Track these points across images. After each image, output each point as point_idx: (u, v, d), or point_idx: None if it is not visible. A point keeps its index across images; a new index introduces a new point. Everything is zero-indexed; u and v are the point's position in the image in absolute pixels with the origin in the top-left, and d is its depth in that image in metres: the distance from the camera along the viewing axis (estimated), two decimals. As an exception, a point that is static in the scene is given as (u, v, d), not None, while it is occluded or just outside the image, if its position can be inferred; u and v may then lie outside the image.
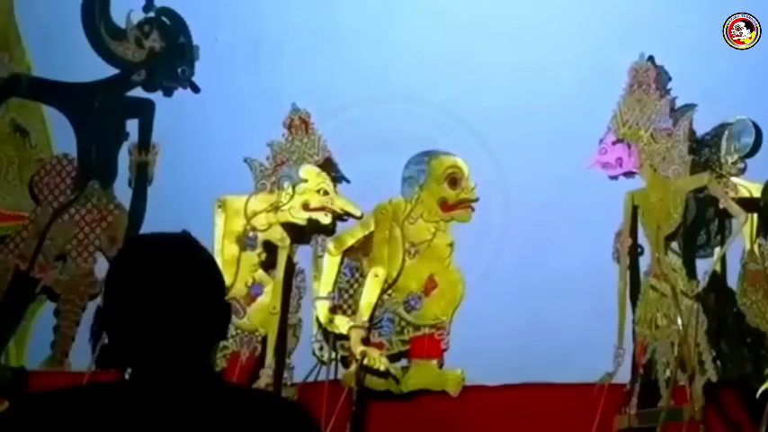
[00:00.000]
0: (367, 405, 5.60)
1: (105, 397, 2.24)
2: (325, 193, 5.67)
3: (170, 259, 2.27)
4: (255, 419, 2.24)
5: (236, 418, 2.23)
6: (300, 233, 5.74)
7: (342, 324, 5.70)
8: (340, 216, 5.71)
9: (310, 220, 5.67)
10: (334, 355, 5.72)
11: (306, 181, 5.67)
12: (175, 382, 2.24)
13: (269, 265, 5.71)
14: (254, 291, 5.68)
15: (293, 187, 5.66)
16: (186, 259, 2.28)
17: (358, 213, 5.71)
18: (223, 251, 5.65)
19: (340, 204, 5.67)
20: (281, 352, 5.64)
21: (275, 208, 5.66)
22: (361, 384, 5.56)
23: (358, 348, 5.58)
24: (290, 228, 5.68)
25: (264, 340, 5.64)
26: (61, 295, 5.97)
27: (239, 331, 5.66)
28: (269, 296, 5.65)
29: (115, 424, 2.21)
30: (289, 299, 5.68)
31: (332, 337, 5.72)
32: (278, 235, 5.67)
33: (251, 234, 5.66)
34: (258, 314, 5.66)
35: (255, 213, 5.66)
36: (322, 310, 5.73)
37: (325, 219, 5.66)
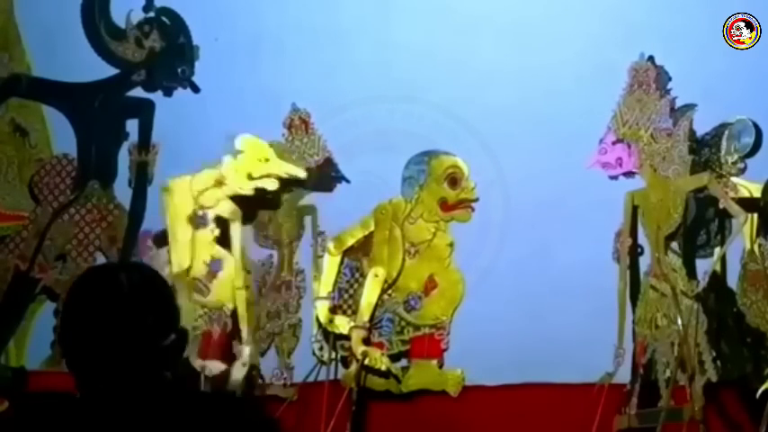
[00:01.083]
0: (367, 405, 5.61)
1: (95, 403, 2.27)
2: (266, 159, 5.65)
3: (120, 286, 2.34)
4: (220, 424, 2.26)
5: (201, 424, 2.25)
6: (249, 203, 5.73)
7: (342, 324, 5.70)
8: (287, 181, 5.68)
9: (257, 190, 5.66)
10: (334, 355, 5.73)
11: (243, 151, 5.66)
12: (132, 396, 2.29)
13: (223, 240, 5.69)
14: (213, 267, 5.67)
15: (234, 159, 5.65)
16: (136, 286, 2.36)
17: (302, 175, 5.69)
18: (177, 234, 5.64)
19: (283, 169, 5.66)
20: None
21: (219, 183, 5.65)
22: (361, 384, 5.56)
23: (359, 348, 5.58)
24: (238, 200, 5.67)
25: (234, 315, 5.63)
26: (61, 295, 5.96)
27: (207, 310, 5.66)
28: (230, 270, 5.64)
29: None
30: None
31: (332, 337, 5.72)
32: (228, 208, 5.67)
33: (200, 213, 5.65)
34: (222, 289, 5.66)
35: (201, 192, 5.65)
36: (322, 310, 5.74)
37: (272, 185, 5.63)
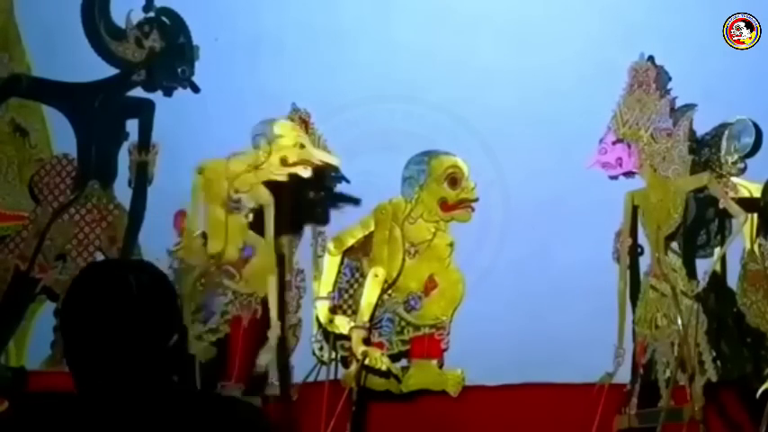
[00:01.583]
0: (367, 405, 5.61)
1: (95, 402, 2.26)
2: (302, 146, 5.61)
3: (119, 286, 2.32)
4: (211, 426, 2.26)
5: (193, 426, 2.25)
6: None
7: (342, 324, 5.70)
8: (320, 168, 5.64)
9: (291, 176, 5.62)
10: (334, 355, 5.73)
11: (282, 136, 5.61)
12: (133, 397, 2.28)
13: (257, 225, 5.66)
14: (245, 253, 5.62)
15: (270, 144, 5.61)
16: (136, 287, 2.34)
17: (336, 162, 5.66)
18: (210, 216, 5.58)
19: (319, 156, 5.63)
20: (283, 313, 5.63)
21: (255, 167, 5.61)
22: (361, 384, 5.56)
23: (360, 349, 5.58)
24: (272, 185, 5.63)
25: (264, 302, 5.59)
26: (61, 295, 5.97)
27: (237, 295, 5.62)
28: (262, 257, 5.61)
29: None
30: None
31: (332, 337, 5.72)
32: (262, 194, 5.62)
33: (235, 196, 5.60)
34: (253, 276, 5.61)
35: (237, 175, 5.60)
36: (322, 310, 5.74)
37: (306, 173, 5.59)
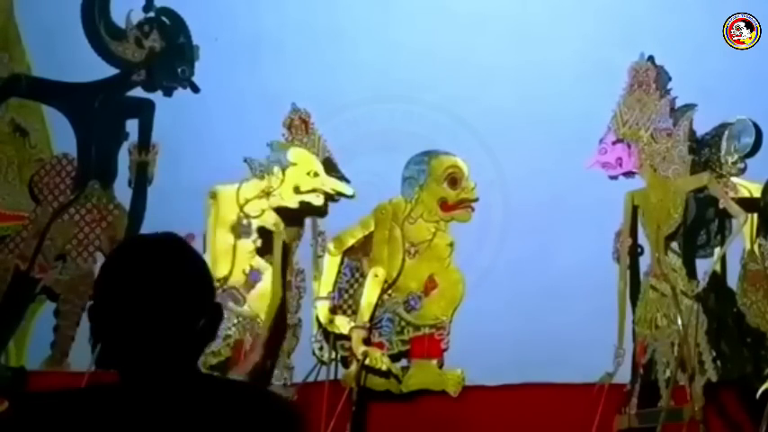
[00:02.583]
0: (367, 405, 5.61)
1: (97, 400, 2.24)
2: (316, 174, 5.66)
3: (158, 261, 2.27)
4: (244, 415, 2.25)
5: (225, 414, 2.23)
6: (294, 217, 5.74)
7: (342, 324, 5.70)
8: (332, 197, 5.70)
9: (302, 203, 5.67)
10: (334, 355, 5.73)
11: (295, 164, 5.66)
12: (165, 383, 2.24)
13: (265, 251, 5.71)
14: (252, 278, 5.68)
15: (283, 171, 5.65)
16: (174, 260, 2.28)
17: (349, 192, 5.71)
18: (218, 241, 5.65)
19: (331, 185, 5.67)
20: (277, 333, 5.64)
21: (267, 193, 5.66)
22: (361, 384, 5.56)
23: (360, 349, 5.59)
24: (283, 212, 5.68)
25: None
26: (61, 295, 5.97)
27: (241, 319, 5.66)
28: (268, 282, 5.66)
29: (106, 427, 2.21)
30: (285, 282, 5.68)
31: (332, 337, 5.72)
32: (272, 220, 5.67)
33: (245, 222, 5.66)
34: (259, 301, 5.66)
35: (248, 200, 5.66)
36: (322, 310, 5.74)
37: (318, 200, 5.66)
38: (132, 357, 2.25)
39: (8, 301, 5.96)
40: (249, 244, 5.68)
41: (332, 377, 5.69)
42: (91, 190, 6.04)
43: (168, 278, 2.26)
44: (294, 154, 5.67)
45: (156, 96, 6.05)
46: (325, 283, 5.77)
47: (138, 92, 6.07)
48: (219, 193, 5.70)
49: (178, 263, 2.28)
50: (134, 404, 2.23)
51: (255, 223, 5.67)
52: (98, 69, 6.07)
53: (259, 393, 2.38)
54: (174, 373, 2.25)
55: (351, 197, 5.72)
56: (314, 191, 5.64)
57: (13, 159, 6.10)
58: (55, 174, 6.05)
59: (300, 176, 5.64)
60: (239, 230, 5.67)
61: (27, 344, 6.02)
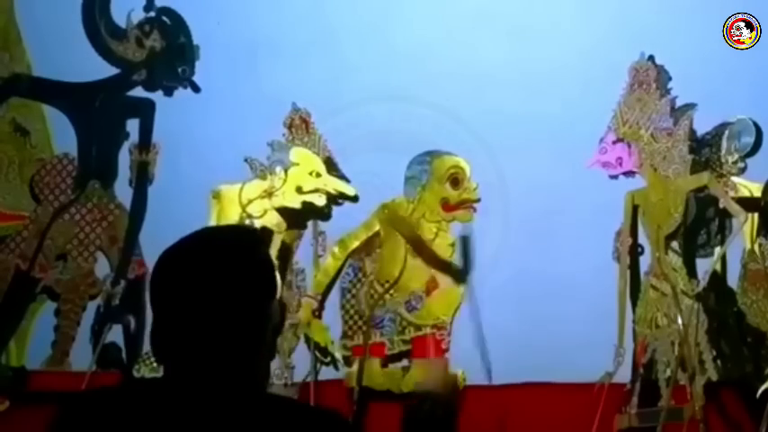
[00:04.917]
0: (367, 405, 5.60)
1: (143, 398, 2.16)
2: (318, 174, 5.67)
3: (224, 258, 2.19)
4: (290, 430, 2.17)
5: (268, 427, 2.15)
6: (296, 217, 5.74)
7: (318, 330, 5.68)
8: (334, 197, 5.71)
9: (305, 204, 5.67)
10: (336, 355, 5.73)
11: (297, 164, 5.66)
12: (212, 387, 2.15)
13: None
14: None
15: (285, 171, 5.65)
16: (239, 259, 2.19)
17: (352, 193, 5.71)
18: None
19: (333, 185, 5.67)
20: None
21: (269, 194, 5.66)
22: (362, 384, 5.56)
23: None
24: (285, 212, 5.67)
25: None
26: (62, 295, 5.96)
27: None
28: None
29: (147, 426, 2.15)
30: (283, 281, 5.67)
31: (312, 343, 5.71)
32: (274, 220, 5.67)
33: (247, 222, 5.65)
34: None
35: (250, 201, 5.65)
36: (306, 308, 5.72)
37: (320, 201, 5.66)
38: (184, 355, 2.16)
39: (9, 300, 5.96)
40: None
41: (332, 377, 5.70)
42: (91, 190, 6.04)
43: (230, 277, 2.17)
44: (296, 154, 5.67)
45: (157, 96, 6.05)
46: (318, 284, 5.76)
47: (138, 91, 6.07)
48: (222, 193, 5.70)
49: (242, 262, 2.19)
50: (177, 407, 2.15)
51: (257, 223, 5.66)
52: (98, 69, 6.07)
53: (323, 415, 2.26)
54: (223, 377, 2.15)
55: (353, 198, 5.72)
56: (316, 191, 5.64)
57: (14, 159, 6.09)
58: (55, 173, 6.05)
59: (303, 176, 5.65)
60: None
61: (28, 343, 6.01)
